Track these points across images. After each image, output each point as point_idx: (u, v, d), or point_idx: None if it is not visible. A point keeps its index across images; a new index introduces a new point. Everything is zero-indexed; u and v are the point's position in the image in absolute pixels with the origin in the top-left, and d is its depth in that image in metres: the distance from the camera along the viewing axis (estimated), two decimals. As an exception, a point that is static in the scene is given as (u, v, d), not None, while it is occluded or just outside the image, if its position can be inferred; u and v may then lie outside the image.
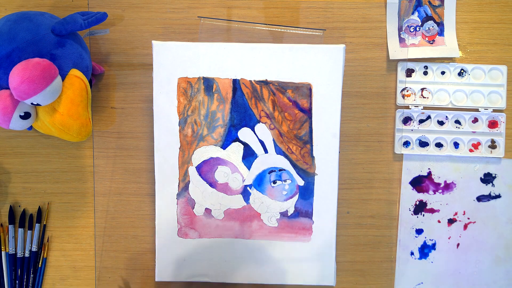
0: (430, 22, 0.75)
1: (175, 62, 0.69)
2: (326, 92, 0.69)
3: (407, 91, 0.75)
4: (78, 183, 0.76)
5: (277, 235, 0.72)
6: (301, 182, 0.71)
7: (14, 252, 0.75)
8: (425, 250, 0.76)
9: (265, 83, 0.69)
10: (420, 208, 0.76)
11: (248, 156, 0.71)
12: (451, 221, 0.76)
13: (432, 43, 0.75)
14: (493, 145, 0.75)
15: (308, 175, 0.71)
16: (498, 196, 0.76)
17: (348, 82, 0.74)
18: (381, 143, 0.75)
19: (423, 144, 0.75)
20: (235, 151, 0.71)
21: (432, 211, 0.76)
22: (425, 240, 0.76)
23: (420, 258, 0.76)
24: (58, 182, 0.76)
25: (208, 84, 0.70)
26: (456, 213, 0.76)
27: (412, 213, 0.76)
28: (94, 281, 0.76)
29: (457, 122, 0.75)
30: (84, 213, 0.76)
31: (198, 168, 0.71)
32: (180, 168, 0.71)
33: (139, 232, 0.76)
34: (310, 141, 0.70)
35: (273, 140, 0.70)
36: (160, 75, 0.69)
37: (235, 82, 0.69)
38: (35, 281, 0.75)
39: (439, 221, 0.76)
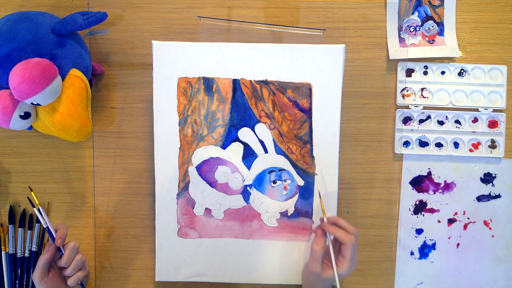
0: (430, 22, 0.75)
1: (175, 62, 0.69)
2: (326, 92, 0.69)
3: (407, 91, 0.75)
4: (78, 183, 0.76)
5: (277, 235, 0.72)
6: (301, 182, 0.71)
7: (14, 252, 0.75)
8: (425, 250, 0.76)
9: (265, 83, 0.69)
10: (420, 208, 0.76)
11: (248, 156, 0.71)
12: (451, 221, 0.76)
13: (432, 43, 0.75)
14: (493, 145, 0.75)
15: (308, 175, 0.71)
16: (498, 196, 0.76)
17: (348, 82, 0.74)
18: (381, 143, 0.75)
19: (423, 144, 0.75)
20: (235, 151, 0.71)
21: (432, 211, 0.76)
22: (425, 240, 0.76)
23: (420, 258, 0.76)
24: (58, 182, 0.76)
25: (208, 84, 0.70)
26: (456, 213, 0.76)
27: (412, 213, 0.76)
28: (94, 281, 0.76)
29: (457, 122, 0.75)
30: (84, 213, 0.76)
31: (198, 168, 0.71)
32: (180, 168, 0.71)
33: (139, 232, 0.76)
34: (310, 141, 0.70)
35: (273, 140, 0.70)
36: (160, 75, 0.69)
37: (235, 82, 0.69)
38: (35, 281, 0.75)
39: (439, 221, 0.76)
